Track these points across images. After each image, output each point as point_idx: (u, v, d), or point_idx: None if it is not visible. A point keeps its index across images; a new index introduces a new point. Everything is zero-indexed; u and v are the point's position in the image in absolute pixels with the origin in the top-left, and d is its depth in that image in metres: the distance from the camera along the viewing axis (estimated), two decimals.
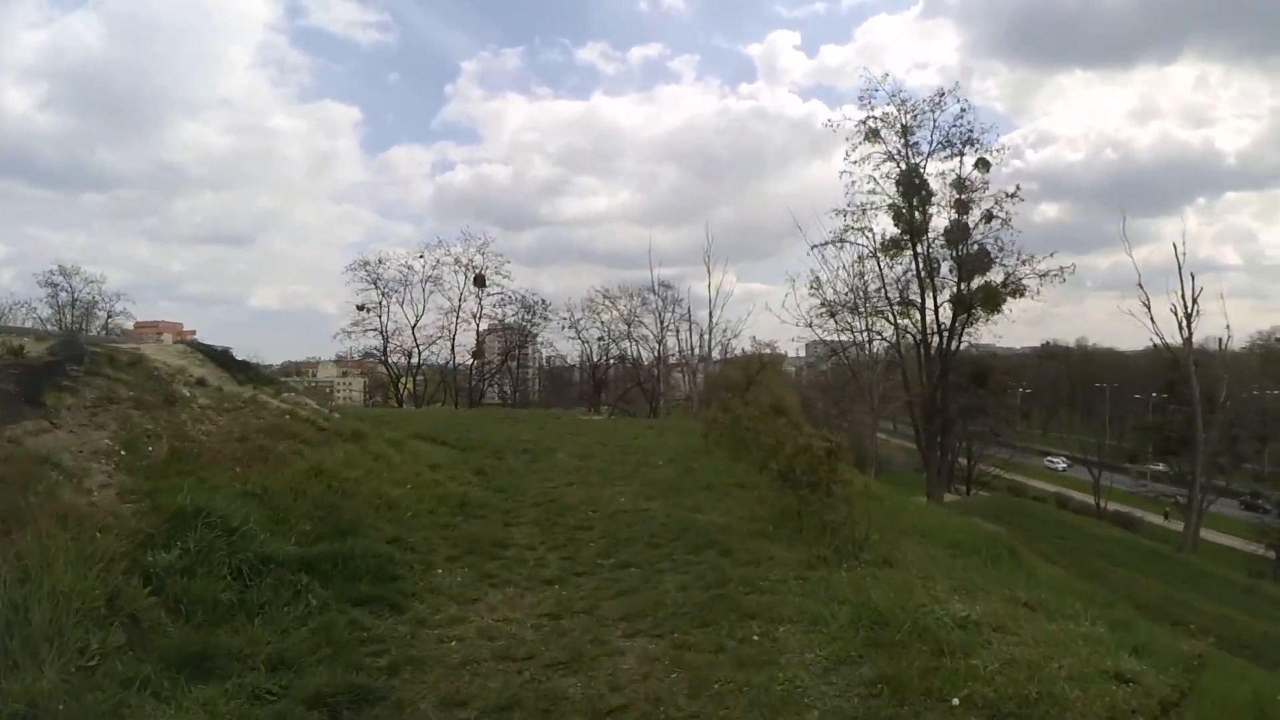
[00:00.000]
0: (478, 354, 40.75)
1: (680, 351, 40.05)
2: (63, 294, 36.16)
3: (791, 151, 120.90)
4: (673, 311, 39.43)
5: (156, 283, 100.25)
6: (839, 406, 36.12)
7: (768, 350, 37.59)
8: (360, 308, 37.50)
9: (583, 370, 45.90)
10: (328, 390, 58.04)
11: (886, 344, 35.06)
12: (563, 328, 41.47)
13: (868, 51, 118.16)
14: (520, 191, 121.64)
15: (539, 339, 44.73)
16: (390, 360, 39.21)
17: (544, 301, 41.22)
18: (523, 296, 40.16)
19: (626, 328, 40.68)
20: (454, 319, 38.62)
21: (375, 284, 37.64)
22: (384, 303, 37.76)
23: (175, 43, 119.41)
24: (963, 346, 34.36)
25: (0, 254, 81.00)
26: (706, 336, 37.29)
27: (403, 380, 39.80)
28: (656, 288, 39.07)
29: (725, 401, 32.35)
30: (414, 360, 39.01)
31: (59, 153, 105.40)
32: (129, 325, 38.54)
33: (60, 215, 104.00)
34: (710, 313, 36.42)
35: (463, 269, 38.51)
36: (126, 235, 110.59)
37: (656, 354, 40.60)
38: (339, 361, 47.62)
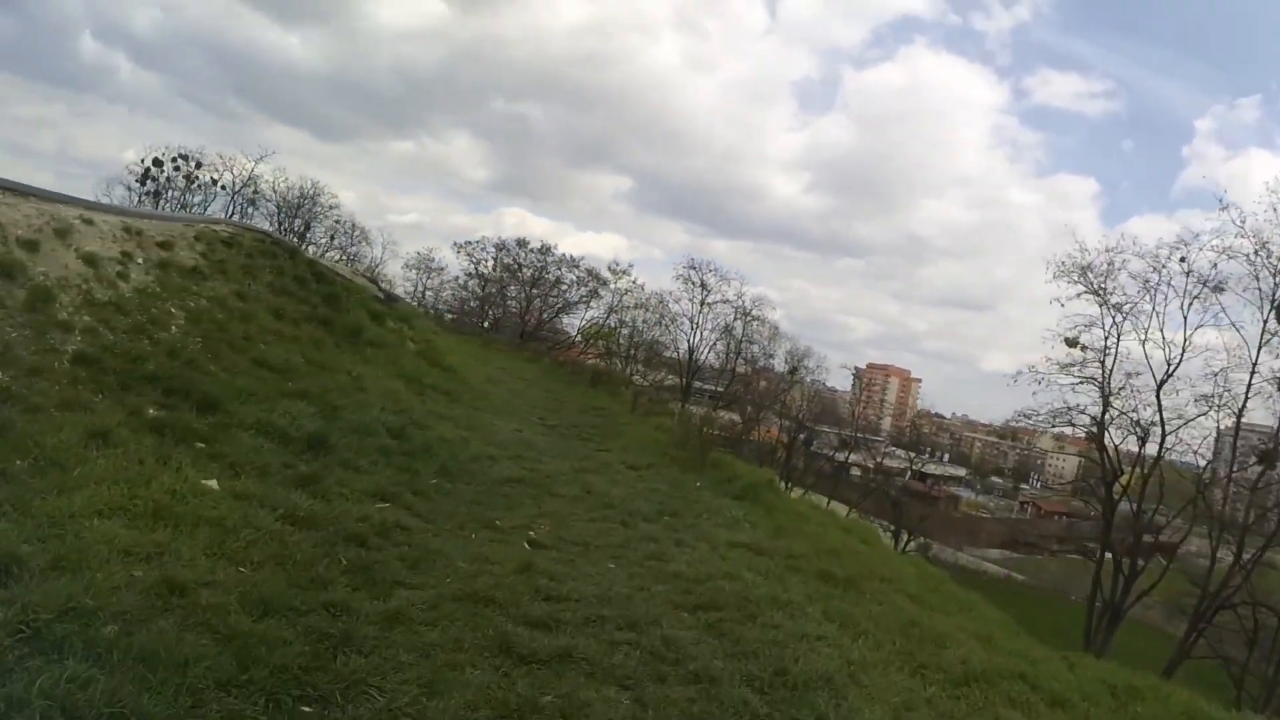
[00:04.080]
0: (1267, 459, 19.74)
1: None
2: None
3: None
4: None
5: (898, 335, 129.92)
6: None
7: None
8: (1072, 343, 21.22)
9: None
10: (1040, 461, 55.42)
11: None
12: None
13: None
14: None
15: None
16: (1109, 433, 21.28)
17: None
18: None
19: None
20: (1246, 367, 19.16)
21: (1101, 300, 21.02)
22: (1114, 332, 20.87)
23: (913, 133, 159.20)
24: None
25: (779, 299, 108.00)
26: None
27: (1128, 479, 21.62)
28: None
29: None
30: (1151, 442, 20.56)
31: (820, 226, 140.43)
32: (861, 365, 42.02)
33: (820, 274, 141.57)
34: None
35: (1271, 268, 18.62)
36: (876, 294, 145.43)
37: None
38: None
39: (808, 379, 43.36)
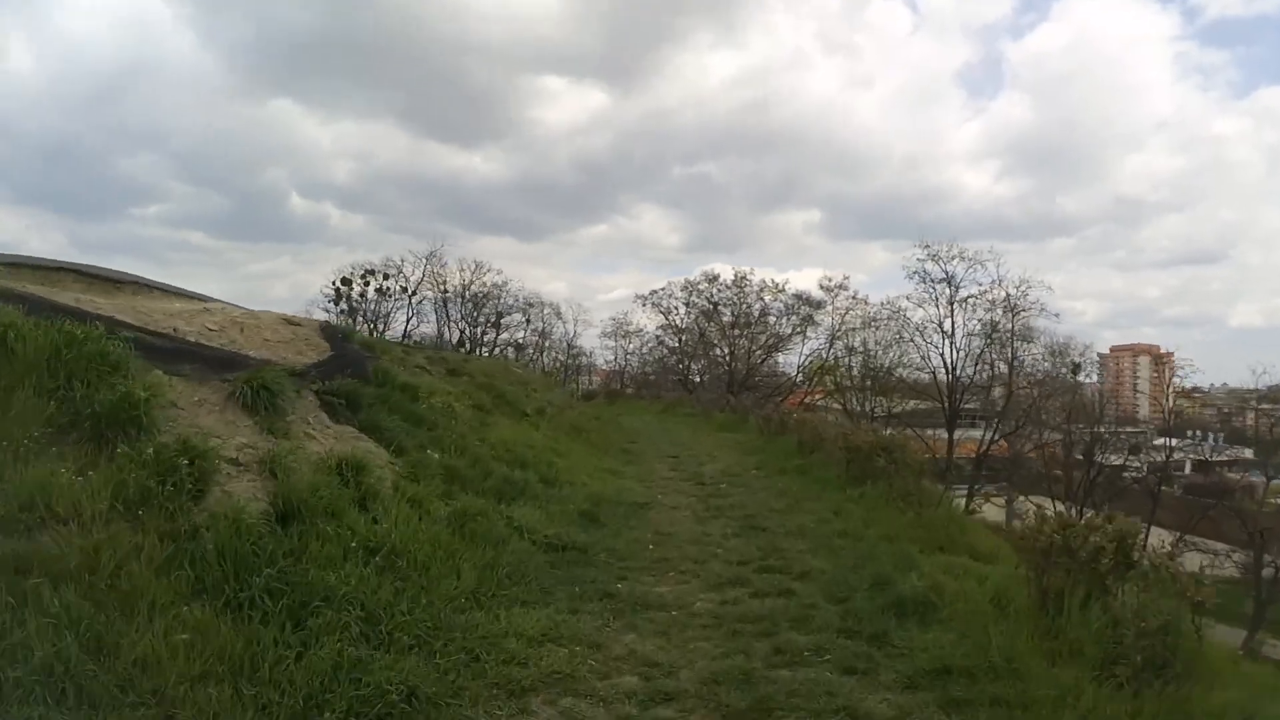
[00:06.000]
0: None
1: None
2: None
3: None
4: None
5: (1132, 309, 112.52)
6: None
7: None
8: None
9: None
10: None
11: None
12: None
13: None
14: None
15: None
16: None
17: None
18: None
19: None
20: None
21: None
22: None
23: (1094, 88, 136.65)
24: None
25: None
26: None
27: None
28: None
29: None
30: None
31: (1021, 211, 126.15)
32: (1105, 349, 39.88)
33: (1033, 261, 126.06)
34: None
35: None
36: (1098, 269, 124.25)
37: None
38: None
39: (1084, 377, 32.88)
